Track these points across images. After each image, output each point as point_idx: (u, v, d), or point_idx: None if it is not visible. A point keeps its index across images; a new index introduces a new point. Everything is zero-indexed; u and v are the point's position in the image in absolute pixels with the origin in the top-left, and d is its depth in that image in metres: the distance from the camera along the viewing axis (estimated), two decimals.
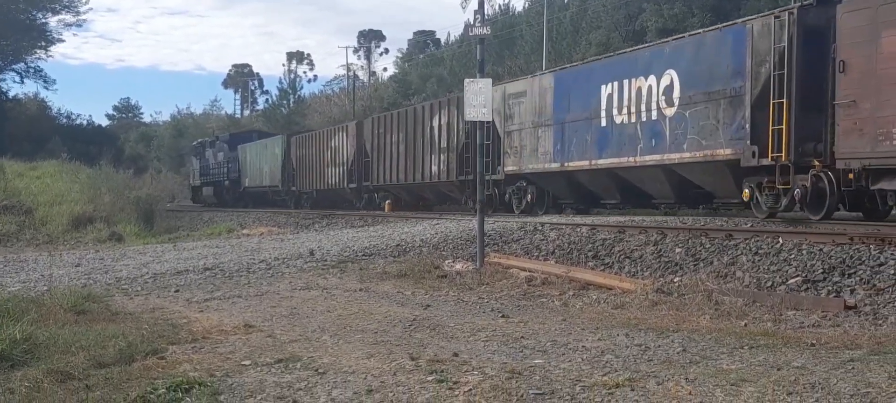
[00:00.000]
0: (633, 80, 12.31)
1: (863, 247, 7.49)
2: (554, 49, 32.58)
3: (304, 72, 57.13)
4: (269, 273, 10.11)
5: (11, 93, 41.12)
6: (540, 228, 12.18)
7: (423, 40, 50.87)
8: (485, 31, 10.48)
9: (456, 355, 4.71)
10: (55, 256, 13.04)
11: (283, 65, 62.78)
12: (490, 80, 9.95)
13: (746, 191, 10.51)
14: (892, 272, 6.65)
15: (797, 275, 7.35)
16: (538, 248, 10.88)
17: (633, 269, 8.85)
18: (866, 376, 3.94)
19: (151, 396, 3.85)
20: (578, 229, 11.40)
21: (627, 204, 14.51)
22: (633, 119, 12.19)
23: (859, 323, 5.82)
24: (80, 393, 3.95)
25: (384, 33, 57.67)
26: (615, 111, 12.68)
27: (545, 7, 33.00)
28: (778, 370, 4.13)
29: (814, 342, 4.86)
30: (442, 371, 4.22)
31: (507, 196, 16.64)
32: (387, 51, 58.09)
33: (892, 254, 7.03)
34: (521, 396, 3.73)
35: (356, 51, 56.41)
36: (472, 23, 12.11)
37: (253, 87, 59.21)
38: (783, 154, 9.51)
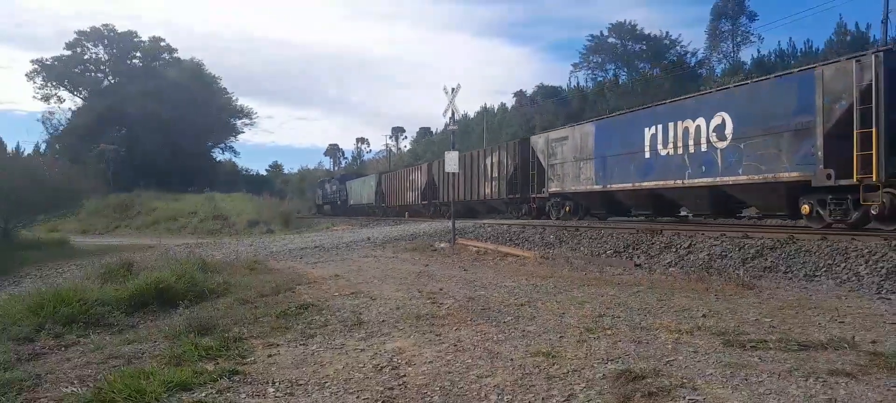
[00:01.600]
0: (680, 123, 14.88)
1: (643, 235, 13.12)
2: (489, 137, 57.07)
3: (365, 147, 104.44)
4: (347, 248, 16.18)
5: (218, 159, 77.41)
6: (482, 226, 18.92)
7: (424, 130, 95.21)
8: (454, 127, 19.43)
9: (441, 290, 8.67)
10: (239, 241, 21.84)
11: (354, 143, 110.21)
12: (457, 153, 18.05)
13: (806, 206, 12.19)
14: (657, 247, 11.98)
15: (611, 248, 13.05)
16: (483, 236, 17.54)
17: (530, 246, 15.09)
18: (645, 298, 7.66)
19: (288, 310, 7.69)
20: (502, 226, 18.50)
21: (658, 215, 18.22)
22: (680, 151, 14.77)
23: (642, 273, 10.29)
24: (252, 309, 7.90)
25: (405, 127, 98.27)
26: (660, 146, 15.41)
27: (484, 116, 66.94)
28: (602, 296, 7.89)
29: (619, 283, 8.71)
30: (434, 298, 8.10)
31: (547, 208, 21.79)
32: (406, 136, 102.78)
33: (657, 239, 12.59)
34: (474, 309, 7.48)
35: (390, 136, 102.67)
36: (448, 123, 19.09)
37: (339, 155, 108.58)
38: (873, 175, 10.47)
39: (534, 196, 22.54)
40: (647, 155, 16.03)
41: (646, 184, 16.21)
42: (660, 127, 15.63)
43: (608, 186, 17.80)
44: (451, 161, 17.60)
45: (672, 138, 15.17)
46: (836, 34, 42.91)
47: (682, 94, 19.67)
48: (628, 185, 16.87)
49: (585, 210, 20.20)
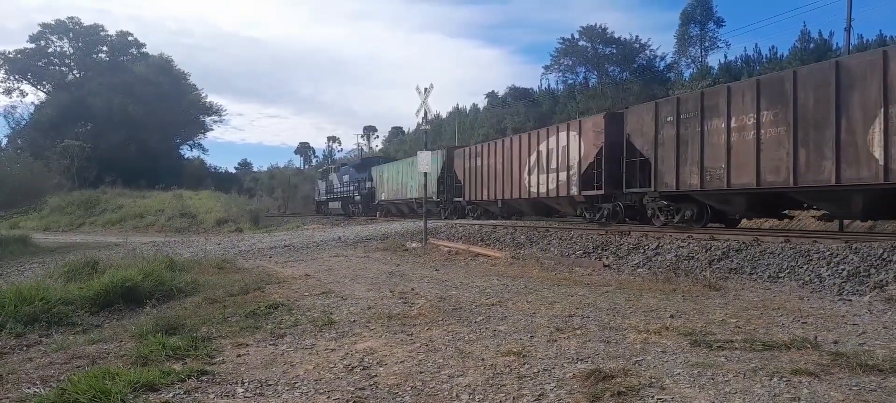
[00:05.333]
0: None
1: (612, 236, 13.39)
2: (461, 138, 55.47)
3: (336, 146, 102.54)
4: (317, 248, 16.01)
5: (186, 156, 75.53)
6: (454, 226, 19.47)
7: (396, 130, 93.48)
8: (427, 127, 19.70)
9: (413, 290, 8.66)
10: (207, 239, 21.61)
11: (326, 142, 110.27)
12: (429, 152, 17.93)
13: None
14: (625, 248, 12.18)
15: (580, 249, 13.13)
16: (454, 236, 17.66)
17: (501, 246, 15.09)
18: (614, 299, 7.75)
19: (258, 310, 7.62)
20: (474, 226, 18.85)
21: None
22: None
23: (610, 273, 10.52)
24: (221, 308, 7.81)
25: (377, 127, 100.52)
26: None
27: (457, 117, 68.06)
28: (572, 296, 7.96)
29: (589, 283, 8.81)
30: (405, 298, 8.09)
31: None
32: (378, 135, 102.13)
33: (625, 240, 12.82)
34: (446, 309, 7.49)
35: (362, 136, 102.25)
36: (421, 123, 18.94)
37: (310, 154, 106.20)
38: None
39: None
40: None
41: None
42: None
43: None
44: (425, 159, 17.58)
45: None
46: (800, 41, 43.82)
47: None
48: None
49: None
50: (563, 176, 18.59)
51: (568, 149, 18.31)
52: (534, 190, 20.25)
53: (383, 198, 36.92)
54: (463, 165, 26.51)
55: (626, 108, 18.22)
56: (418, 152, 17.79)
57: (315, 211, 51.39)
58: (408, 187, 33.03)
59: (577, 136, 17.97)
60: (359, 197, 41.43)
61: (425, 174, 21.95)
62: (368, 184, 40.00)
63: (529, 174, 20.53)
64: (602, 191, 16.85)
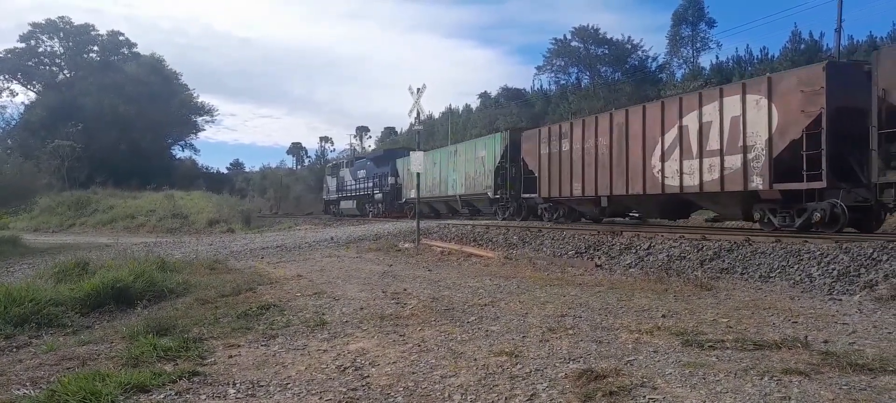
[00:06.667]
0: None
1: (604, 236, 13.46)
2: (453, 138, 52.92)
3: (329, 147, 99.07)
4: (310, 248, 16.13)
5: (178, 156, 75.26)
6: (446, 226, 19.28)
7: (389, 130, 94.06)
8: (419, 127, 19.30)
9: (405, 290, 8.65)
10: (199, 240, 21.58)
11: (318, 142, 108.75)
12: (422, 153, 18.11)
13: None
14: (617, 248, 12.22)
15: (572, 249, 13.19)
16: (447, 236, 17.68)
17: (494, 246, 15.18)
18: (606, 298, 7.77)
19: (250, 311, 7.57)
20: (466, 226, 18.67)
21: None
22: None
23: (602, 273, 10.56)
24: (212, 309, 7.77)
25: (369, 127, 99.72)
26: None
27: (450, 117, 65.90)
28: (564, 296, 7.97)
29: (581, 283, 8.84)
30: (398, 298, 8.08)
31: None
32: (371, 136, 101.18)
33: (617, 240, 12.88)
34: (438, 310, 7.47)
35: (355, 136, 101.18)
36: (413, 123, 18.89)
37: (303, 154, 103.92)
38: None
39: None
40: None
41: None
42: None
43: None
44: (417, 159, 17.70)
45: None
46: (790, 42, 44.08)
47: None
48: None
49: None
50: (732, 161, 13.09)
51: (744, 122, 12.81)
52: (671, 182, 14.65)
53: (413, 196, 28.30)
54: (537, 151, 20.29)
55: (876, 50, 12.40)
56: (411, 153, 18.04)
57: (323, 211, 47.41)
58: (449, 182, 27.79)
59: (765, 102, 12.31)
60: (379, 194, 36.17)
61: (495, 160, 22.88)
62: (392, 180, 34.70)
63: (663, 160, 14.83)
64: (822, 184, 11.27)
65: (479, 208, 25.99)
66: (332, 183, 45.94)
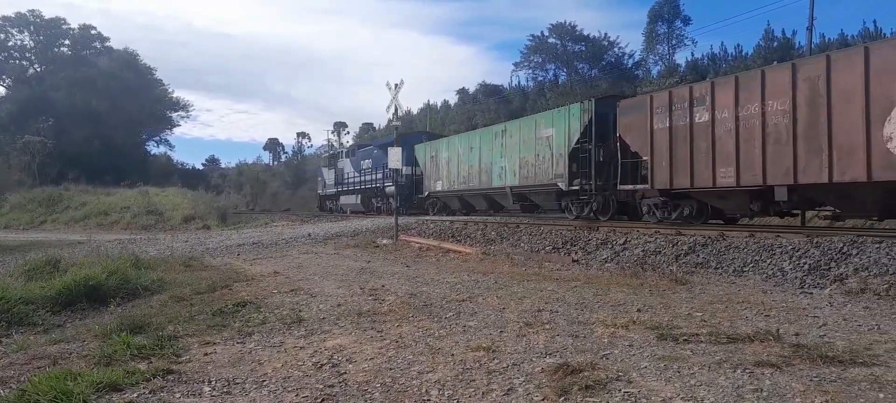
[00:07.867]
0: None
1: (581, 231, 13.67)
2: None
3: (306, 142, 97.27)
4: (287, 245, 16.01)
5: (152, 152, 75.08)
6: (425, 223, 19.40)
7: (367, 126, 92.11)
8: (397, 123, 18.62)
9: (383, 286, 8.64)
10: (174, 237, 21.66)
11: (295, 138, 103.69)
12: (400, 148, 17.68)
13: None
14: (594, 243, 12.41)
15: (549, 244, 13.41)
16: (426, 232, 17.71)
17: (472, 242, 15.40)
18: (582, 293, 7.82)
19: (225, 308, 7.49)
20: (444, 222, 18.85)
21: None
22: None
23: (579, 268, 10.68)
24: (187, 307, 7.69)
25: (347, 123, 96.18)
26: None
27: (428, 113, 67.20)
28: (541, 291, 8.02)
29: (558, 278, 8.90)
30: (376, 294, 8.06)
31: None
32: (348, 131, 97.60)
33: (594, 235, 13.08)
34: (416, 306, 7.46)
35: (333, 132, 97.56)
36: (391, 119, 18.81)
37: (279, 150, 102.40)
38: None
39: None
40: None
41: None
42: None
43: None
44: (395, 155, 17.61)
45: None
46: (764, 39, 44.68)
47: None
48: None
49: None
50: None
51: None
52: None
53: (440, 189, 25.61)
54: (647, 125, 14.82)
55: None
56: (389, 148, 17.29)
57: (318, 208, 42.13)
58: (495, 171, 21.77)
59: None
60: (391, 187, 28.59)
61: (569, 141, 17.26)
62: (408, 170, 28.02)
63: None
64: None
65: (537, 203, 20.77)
66: (328, 175, 39.68)
